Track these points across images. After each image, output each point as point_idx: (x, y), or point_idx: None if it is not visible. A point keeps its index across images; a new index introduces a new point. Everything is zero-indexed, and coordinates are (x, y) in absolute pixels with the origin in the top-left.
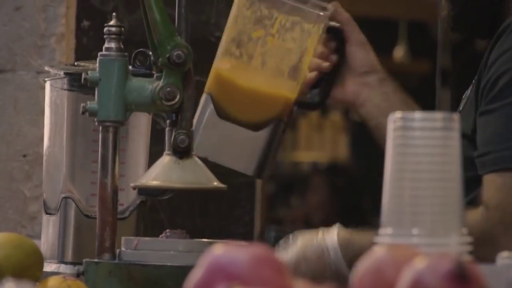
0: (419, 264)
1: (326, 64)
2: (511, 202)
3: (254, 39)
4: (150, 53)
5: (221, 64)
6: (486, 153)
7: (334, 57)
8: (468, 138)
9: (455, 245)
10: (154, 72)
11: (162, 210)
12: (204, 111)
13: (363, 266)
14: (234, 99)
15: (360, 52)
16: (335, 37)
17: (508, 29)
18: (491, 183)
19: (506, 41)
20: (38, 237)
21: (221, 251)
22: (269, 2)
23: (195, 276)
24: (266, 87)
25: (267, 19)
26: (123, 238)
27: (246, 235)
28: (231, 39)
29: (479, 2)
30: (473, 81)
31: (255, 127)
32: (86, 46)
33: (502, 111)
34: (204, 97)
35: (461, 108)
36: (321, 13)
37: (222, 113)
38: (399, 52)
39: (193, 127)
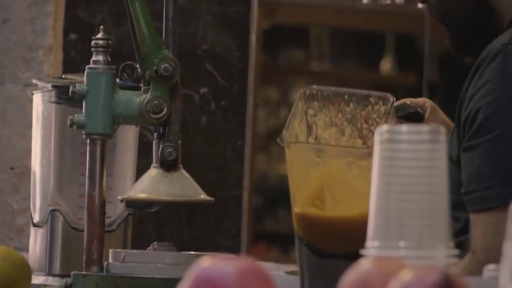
0: (405, 276)
1: None
2: (494, 243)
3: (319, 186)
4: (138, 66)
5: (300, 211)
6: (470, 192)
7: None
8: (456, 163)
9: (442, 257)
10: (141, 85)
11: (150, 223)
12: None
13: (349, 278)
14: (324, 235)
15: None
16: (415, 120)
17: (486, 60)
18: (476, 224)
19: (484, 74)
20: (26, 249)
21: (208, 263)
22: (319, 151)
23: None
24: (350, 212)
25: (322, 164)
26: (110, 251)
27: (233, 248)
28: (300, 196)
29: (472, 25)
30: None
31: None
32: (74, 59)
33: (483, 148)
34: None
35: (451, 134)
36: (369, 148)
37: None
38: (386, 65)
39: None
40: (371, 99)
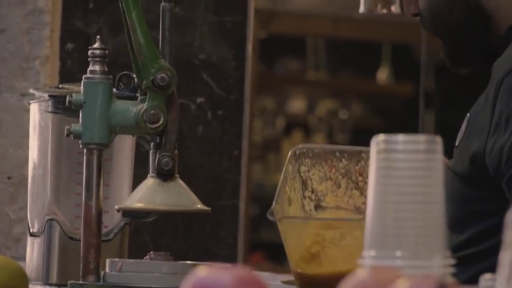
0: (401, 286)
1: None
2: None
3: (315, 252)
4: (134, 75)
5: (297, 269)
6: None
7: None
8: (463, 177)
9: (438, 267)
10: (138, 94)
11: (146, 232)
12: None
13: None
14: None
15: None
16: None
17: (503, 86)
18: None
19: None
20: (23, 259)
21: (204, 273)
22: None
23: None
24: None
25: (317, 236)
26: (107, 260)
27: (229, 257)
28: (296, 258)
29: (468, 35)
30: (467, 117)
31: None
32: (70, 69)
33: None
34: None
35: (456, 144)
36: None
37: None
38: (383, 74)
39: None
40: (363, 154)
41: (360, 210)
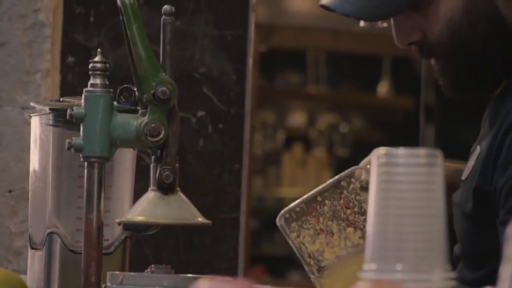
0: None
1: None
2: None
3: None
4: (135, 89)
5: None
6: None
7: None
8: (470, 216)
9: (438, 281)
10: (139, 108)
11: (147, 246)
12: None
13: None
14: None
15: None
16: None
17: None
18: None
19: None
20: (24, 272)
21: (206, 286)
22: None
23: None
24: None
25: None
26: (108, 273)
27: (230, 271)
28: None
29: (488, 56)
30: (477, 151)
31: None
32: (71, 82)
33: None
34: None
35: (463, 178)
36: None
37: None
38: (383, 88)
39: None
40: (342, 182)
41: (360, 246)
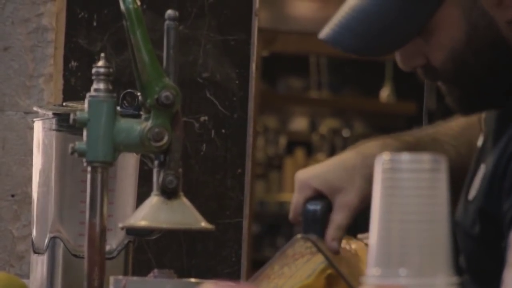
0: None
1: None
2: None
3: None
4: (139, 94)
5: None
6: None
7: None
8: (476, 238)
9: (443, 285)
10: (142, 113)
11: (150, 250)
12: None
13: None
14: None
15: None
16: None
17: None
18: None
19: None
20: (27, 276)
21: None
22: None
23: None
24: None
25: None
26: (111, 278)
27: (233, 275)
28: None
29: (493, 78)
30: (482, 170)
31: None
32: (74, 87)
33: None
34: None
35: (470, 199)
36: None
37: None
38: (385, 93)
39: None
40: (287, 251)
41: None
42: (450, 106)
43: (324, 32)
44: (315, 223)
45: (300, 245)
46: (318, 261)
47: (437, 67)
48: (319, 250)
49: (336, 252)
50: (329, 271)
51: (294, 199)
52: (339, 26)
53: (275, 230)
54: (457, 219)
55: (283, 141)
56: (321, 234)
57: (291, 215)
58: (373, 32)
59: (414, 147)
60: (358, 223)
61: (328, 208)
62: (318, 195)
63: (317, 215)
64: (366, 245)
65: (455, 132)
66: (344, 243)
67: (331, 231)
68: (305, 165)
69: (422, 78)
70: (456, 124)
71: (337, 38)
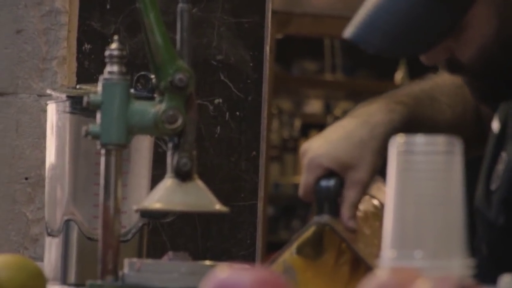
0: (422, 287)
1: None
2: None
3: None
4: (152, 76)
5: None
6: None
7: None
8: (500, 228)
9: (458, 268)
10: (156, 95)
11: (164, 233)
12: None
13: None
14: None
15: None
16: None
17: None
18: None
19: None
20: (41, 259)
21: (225, 274)
22: None
23: None
24: None
25: None
26: (125, 260)
27: (248, 258)
28: None
29: (502, 80)
30: (503, 158)
31: None
32: (88, 69)
33: None
34: None
35: (493, 189)
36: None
37: None
38: (400, 76)
39: None
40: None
41: None
42: (471, 95)
43: (350, 31)
44: (329, 201)
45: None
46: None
47: (464, 62)
48: (337, 233)
49: (354, 231)
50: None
51: (304, 178)
52: (365, 25)
53: (290, 212)
54: (478, 207)
55: (297, 123)
56: (335, 211)
57: (301, 194)
58: (402, 32)
59: (415, 110)
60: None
61: (340, 184)
62: (328, 173)
63: (331, 193)
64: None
65: (450, 91)
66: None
67: (346, 210)
68: None
69: (444, 70)
70: (450, 81)
71: (365, 38)
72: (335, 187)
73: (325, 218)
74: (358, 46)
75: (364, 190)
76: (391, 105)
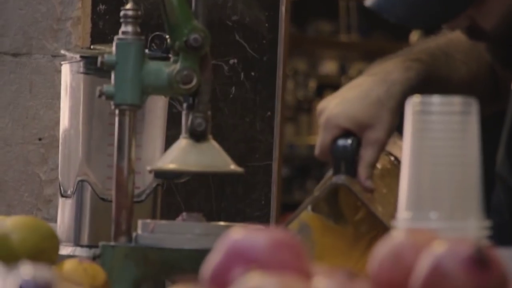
0: (438, 249)
1: None
2: None
3: None
4: (167, 36)
5: None
6: None
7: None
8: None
9: (474, 229)
10: (170, 55)
11: (179, 193)
12: None
13: (382, 251)
14: None
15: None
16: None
17: None
18: None
19: None
20: (54, 220)
21: (240, 235)
22: None
23: (213, 260)
24: None
25: None
26: (139, 221)
27: (262, 219)
28: None
29: None
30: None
31: None
32: (102, 30)
33: None
34: None
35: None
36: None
37: None
38: (415, 36)
39: None
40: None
41: None
42: (492, 62)
43: (371, 0)
44: (345, 161)
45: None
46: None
47: (487, 30)
48: (354, 194)
49: (371, 190)
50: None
51: (321, 138)
52: None
53: (305, 173)
54: (500, 171)
55: (312, 84)
56: (352, 171)
57: (318, 154)
58: (424, 2)
59: (432, 67)
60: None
61: (357, 144)
62: (345, 132)
63: (348, 153)
64: (396, 160)
65: (465, 48)
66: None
67: (363, 170)
68: None
69: (466, 36)
70: (465, 38)
71: (387, 7)
72: (352, 147)
73: (342, 178)
74: (381, 15)
75: (381, 149)
76: (408, 62)
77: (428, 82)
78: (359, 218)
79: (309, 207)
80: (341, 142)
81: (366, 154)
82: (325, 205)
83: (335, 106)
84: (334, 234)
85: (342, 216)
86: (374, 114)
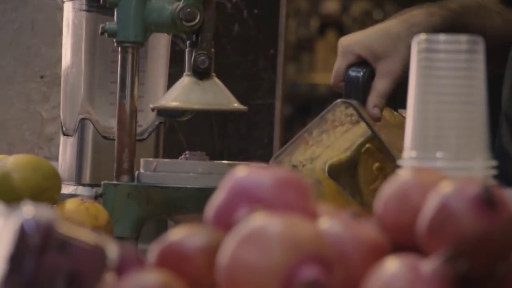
0: (445, 188)
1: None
2: None
3: None
4: None
5: None
6: None
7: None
8: None
9: (480, 169)
10: None
11: (181, 131)
12: None
13: (388, 190)
14: None
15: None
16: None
17: None
18: None
19: None
20: (55, 158)
21: (244, 174)
22: None
23: (217, 199)
24: None
25: None
26: (142, 160)
27: (264, 157)
28: None
29: None
30: None
31: None
32: None
33: None
34: None
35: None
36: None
37: None
38: None
39: None
40: (327, 115)
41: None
42: None
43: None
44: (356, 89)
45: (340, 110)
46: (357, 133)
47: None
48: (361, 116)
49: (378, 119)
50: (367, 146)
51: (337, 64)
52: None
53: (306, 111)
54: (506, 112)
55: (314, 23)
56: (363, 100)
57: (332, 80)
58: None
59: (459, 15)
60: (398, 98)
61: (371, 75)
62: (361, 62)
63: (359, 81)
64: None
65: None
66: (385, 113)
67: (373, 98)
68: (337, 47)
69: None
70: None
71: None
72: (364, 75)
73: (351, 101)
74: None
75: (394, 82)
76: (434, 8)
77: (455, 30)
78: (375, 187)
79: (326, 172)
80: (353, 70)
81: (378, 84)
82: (344, 175)
83: (355, 35)
84: (346, 204)
85: (358, 192)
86: (391, 46)
